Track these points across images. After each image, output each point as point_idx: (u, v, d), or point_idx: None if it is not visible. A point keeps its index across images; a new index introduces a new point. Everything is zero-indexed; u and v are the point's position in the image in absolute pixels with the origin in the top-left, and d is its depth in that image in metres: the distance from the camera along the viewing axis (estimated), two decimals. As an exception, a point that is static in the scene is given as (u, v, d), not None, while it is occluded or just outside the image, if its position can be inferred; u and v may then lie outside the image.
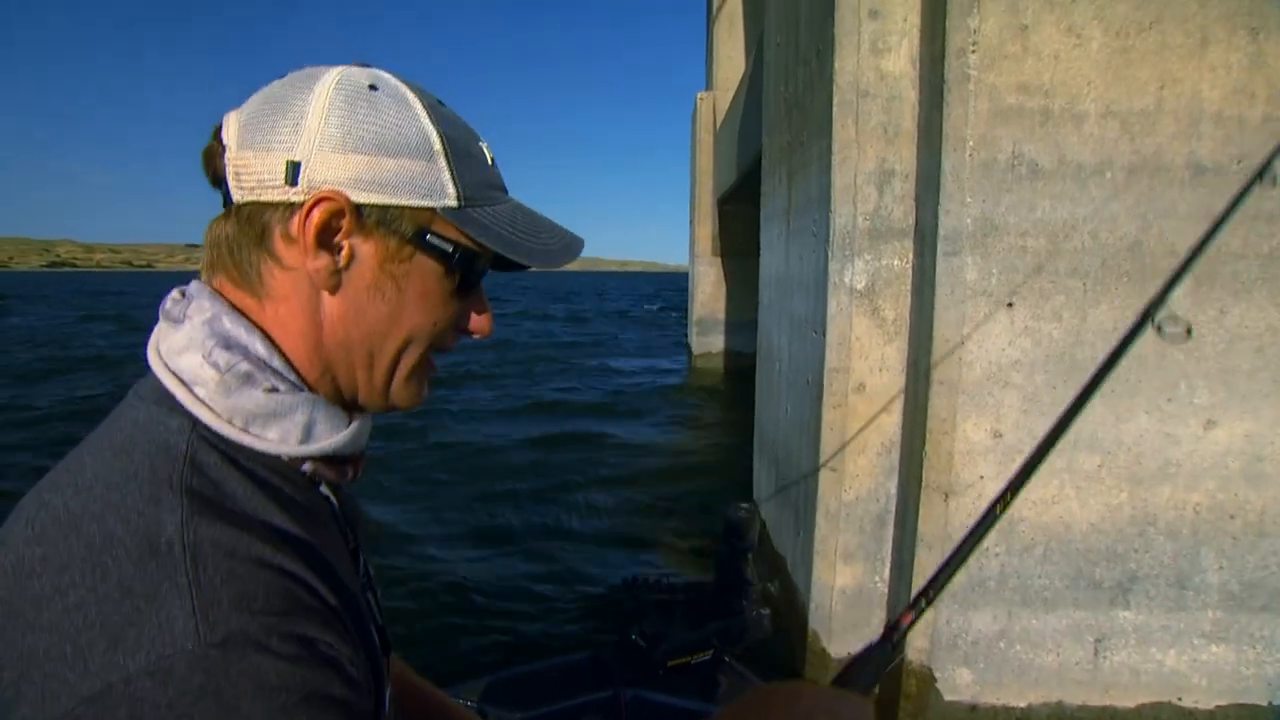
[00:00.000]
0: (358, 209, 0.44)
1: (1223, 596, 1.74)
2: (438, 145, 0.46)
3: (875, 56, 1.78)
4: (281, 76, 0.47)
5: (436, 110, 0.47)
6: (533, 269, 0.52)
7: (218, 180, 0.46)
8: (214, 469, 0.41)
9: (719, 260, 9.94)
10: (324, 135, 0.43)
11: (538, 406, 7.71)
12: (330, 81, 0.45)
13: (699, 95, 9.89)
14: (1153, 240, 1.64)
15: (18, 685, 0.33)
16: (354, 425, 0.49)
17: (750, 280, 4.18)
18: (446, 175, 0.46)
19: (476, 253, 0.48)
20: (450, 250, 0.47)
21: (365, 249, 0.45)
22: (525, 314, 24.61)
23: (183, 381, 0.43)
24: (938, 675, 1.79)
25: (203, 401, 0.43)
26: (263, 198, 0.44)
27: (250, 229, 0.45)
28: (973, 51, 1.59)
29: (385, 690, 0.49)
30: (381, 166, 0.44)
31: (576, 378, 9.90)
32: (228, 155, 0.45)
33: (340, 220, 0.44)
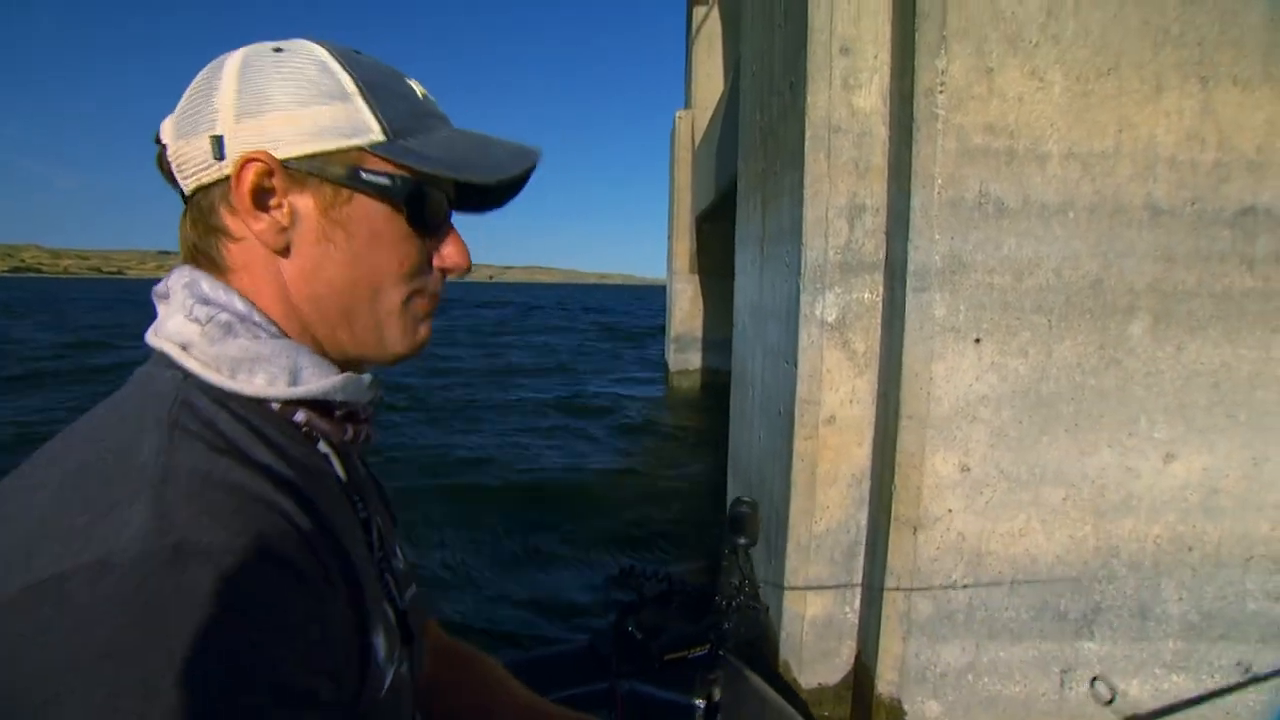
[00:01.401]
0: (285, 165, 0.45)
1: (1183, 627, 1.77)
2: (351, 87, 0.46)
3: (847, 92, 1.81)
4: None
5: (350, 58, 0.47)
6: (487, 183, 0.50)
7: (173, 180, 0.48)
8: (204, 410, 0.42)
9: (696, 278, 9.99)
10: (238, 104, 0.44)
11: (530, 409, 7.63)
12: (237, 56, 0.46)
13: (678, 113, 9.99)
14: (1113, 278, 1.68)
15: None
16: (346, 374, 0.48)
17: (728, 298, 4.21)
18: (367, 112, 0.46)
19: (418, 182, 0.47)
20: (389, 184, 0.46)
21: (303, 203, 0.46)
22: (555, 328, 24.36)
23: (173, 342, 0.45)
24: (907, 708, 1.79)
25: (192, 356, 0.44)
26: (202, 180, 0.46)
27: (201, 214, 0.47)
28: (940, 92, 1.62)
29: (386, 666, 0.46)
30: (298, 118, 0.45)
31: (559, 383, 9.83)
32: (169, 152, 0.47)
33: (271, 179, 0.45)
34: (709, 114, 7.85)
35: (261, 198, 0.45)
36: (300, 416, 0.46)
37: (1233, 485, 1.73)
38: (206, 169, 0.45)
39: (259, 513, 0.37)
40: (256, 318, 0.46)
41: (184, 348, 0.44)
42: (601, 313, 36.96)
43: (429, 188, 0.48)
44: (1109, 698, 1.77)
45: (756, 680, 1.36)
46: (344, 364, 0.49)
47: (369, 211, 0.47)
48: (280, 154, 0.44)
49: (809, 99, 1.81)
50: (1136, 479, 1.73)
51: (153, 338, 0.46)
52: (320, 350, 0.48)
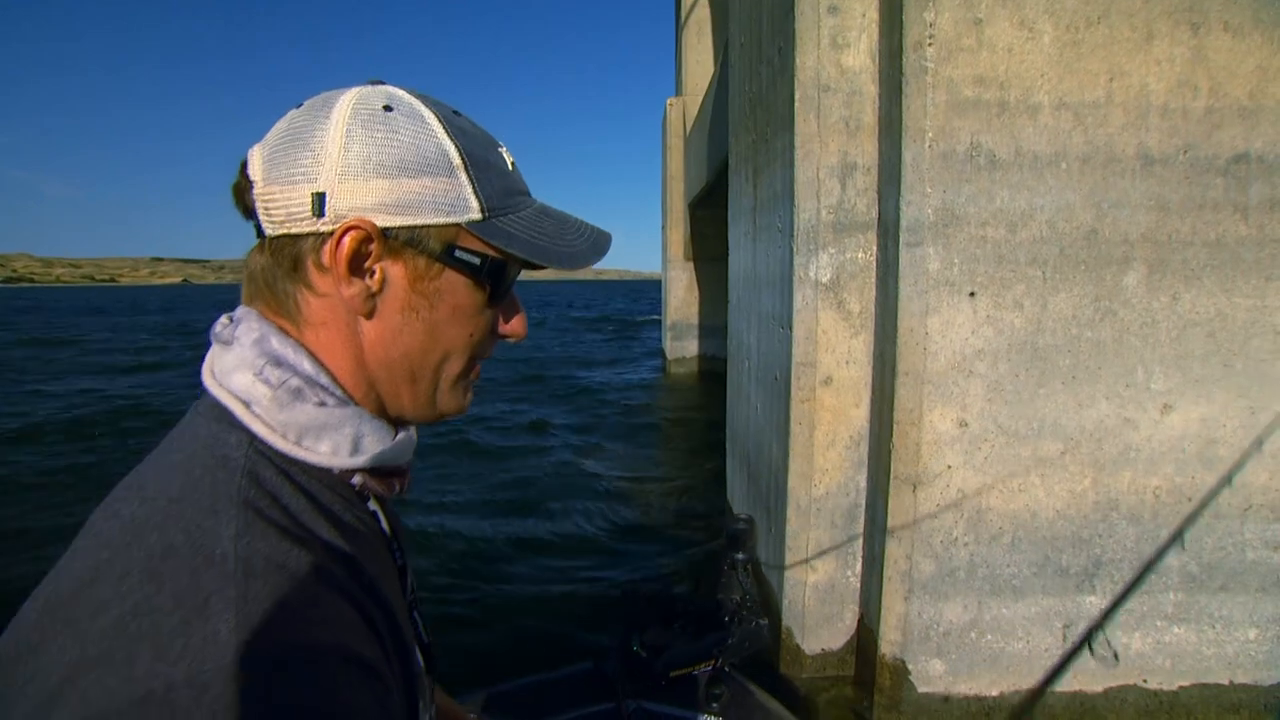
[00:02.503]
0: (384, 233, 0.45)
1: (1183, 578, 1.78)
2: (457, 160, 0.46)
3: (835, 51, 1.79)
4: (297, 105, 0.47)
5: (453, 122, 0.47)
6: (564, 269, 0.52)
7: (248, 212, 0.47)
8: (270, 482, 0.42)
9: (691, 265, 9.98)
10: (344, 163, 0.44)
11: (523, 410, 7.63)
12: (345, 107, 0.45)
13: (669, 101, 9.95)
14: (1107, 229, 1.67)
15: (62, 688, 0.33)
16: (400, 436, 0.50)
17: (722, 284, 4.20)
18: (468, 189, 0.46)
19: (505, 262, 0.48)
20: (479, 263, 0.47)
21: (395, 271, 0.46)
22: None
23: (238, 398, 0.44)
24: (910, 667, 1.79)
25: (258, 417, 0.44)
26: (292, 230, 0.45)
27: (283, 260, 0.46)
28: (929, 45, 1.60)
29: (423, 713, 0.49)
30: (403, 188, 0.45)
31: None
32: (255, 190, 0.46)
33: (369, 246, 0.45)
34: (700, 100, 7.82)
35: (357, 263, 0.45)
36: (357, 480, 0.48)
37: (1230, 435, 1.73)
38: (300, 220, 0.45)
39: (332, 607, 0.39)
40: (324, 380, 0.46)
41: (248, 406, 0.44)
42: (587, 308, 36.86)
43: (511, 266, 0.49)
44: (1112, 654, 1.77)
45: (762, 695, 1.37)
46: (396, 422, 0.51)
47: (455, 286, 0.48)
48: (381, 222, 0.44)
49: (797, 60, 1.80)
50: (1134, 431, 1.73)
51: (212, 384, 0.46)
52: (380, 410, 0.50)
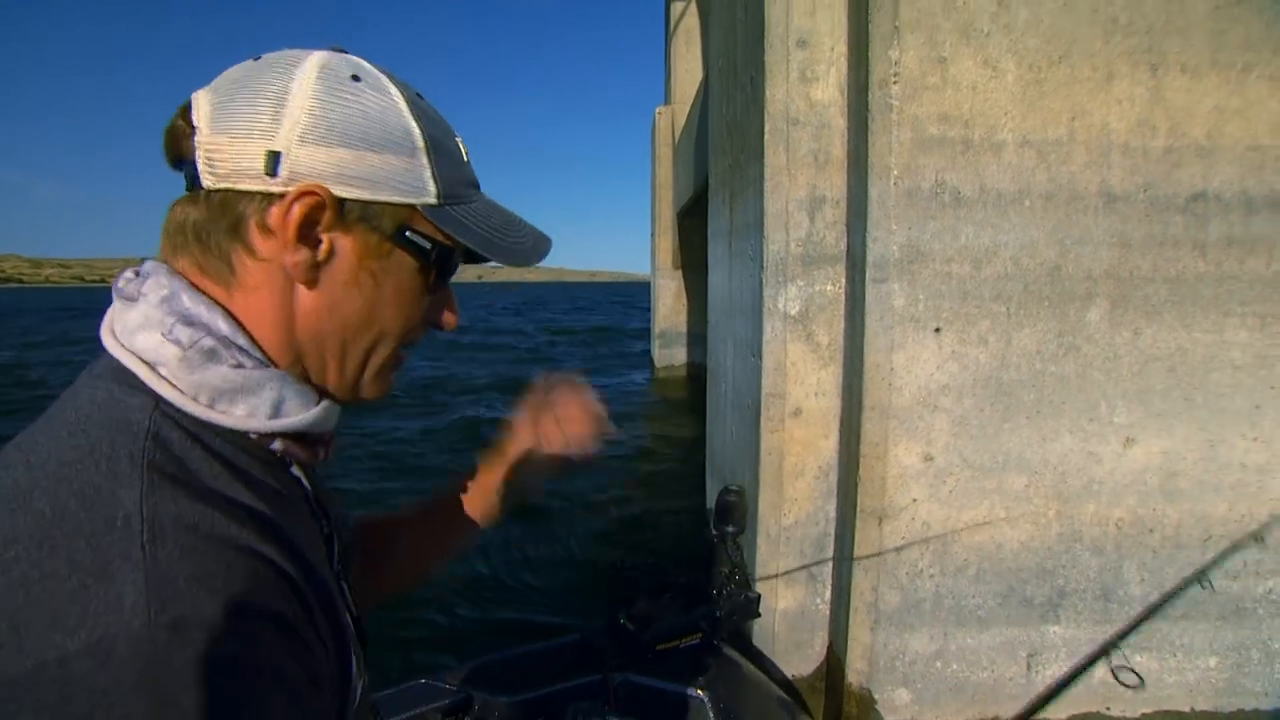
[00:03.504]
0: (340, 203, 0.44)
1: (1145, 607, 1.80)
2: (420, 141, 0.45)
3: (804, 85, 1.81)
4: (255, 57, 0.45)
5: (417, 104, 0.47)
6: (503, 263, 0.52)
7: (179, 161, 0.44)
8: (178, 445, 0.39)
9: (680, 273, 9.99)
10: (307, 125, 0.42)
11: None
12: (312, 68, 0.43)
13: (658, 110, 9.97)
14: (1070, 265, 1.69)
15: None
16: (324, 403, 0.48)
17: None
18: (428, 173, 0.46)
19: (451, 250, 0.48)
20: (429, 247, 0.47)
21: (345, 244, 0.45)
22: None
23: (142, 360, 0.41)
24: (877, 697, 1.80)
25: (166, 379, 0.41)
26: (238, 185, 0.42)
27: (222, 217, 0.43)
28: (895, 82, 1.62)
29: (356, 680, 0.47)
30: (365, 161, 0.43)
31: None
32: (198, 137, 0.42)
33: (321, 214, 0.43)
34: (688, 109, 7.84)
35: (307, 230, 0.43)
36: (277, 445, 0.46)
37: (1190, 468, 1.75)
38: (249, 178, 0.42)
39: (247, 567, 0.36)
40: (241, 341, 0.43)
41: (154, 367, 0.41)
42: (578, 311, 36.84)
43: (457, 255, 0.49)
44: (1136, 683, 1.76)
45: (750, 668, 1.36)
46: (319, 393, 0.49)
47: (400, 267, 0.47)
48: (338, 192, 0.43)
49: (767, 92, 1.81)
50: (1098, 464, 1.75)
51: (113, 344, 0.42)
52: (303, 379, 0.47)
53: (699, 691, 1.28)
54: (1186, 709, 1.84)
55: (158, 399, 0.41)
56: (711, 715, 1.25)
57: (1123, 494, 1.76)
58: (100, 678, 0.30)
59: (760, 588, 1.99)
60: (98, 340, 0.43)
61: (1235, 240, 1.69)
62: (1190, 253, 1.69)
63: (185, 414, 0.41)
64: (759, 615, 1.32)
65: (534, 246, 0.53)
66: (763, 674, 1.32)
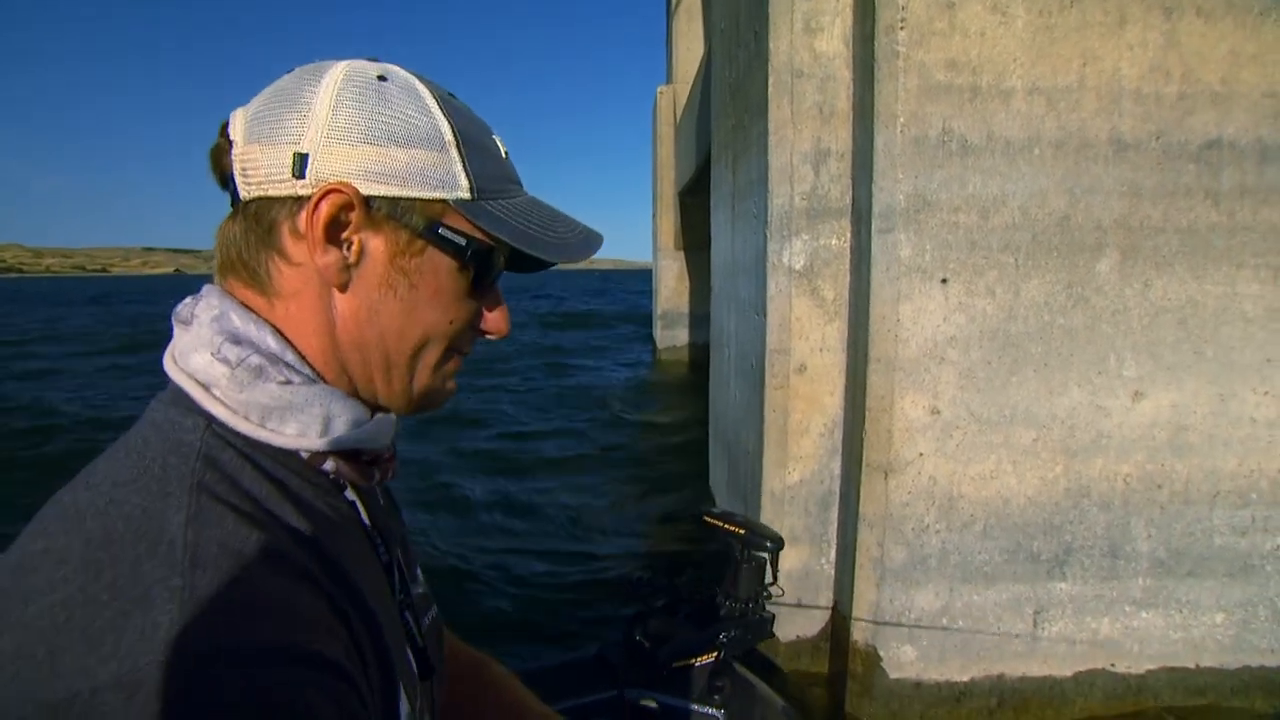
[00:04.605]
0: (367, 201, 0.43)
1: (1152, 564, 1.79)
2: (449, 136, 0.45)
3: (809, 36, 1.77)
4: (289, 70, 0.45)
5: (448, 102, 0.46)
6: (551, 266, 0.50)
7: (225, 179, 0.45)
8: (228, 466, 0.39)
9: (682, 254, 9.94)
10: (332, 126, 0.42)
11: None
12: (338, 73, 0.44)
13: (659, 89, 9.87)
14: (1080, 215, 1.66)
15: None
16: (377, 418, 0.47)
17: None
18: (458, 166, 0.45)
19: (491, 248, 0.46)
20: (463, 244, 0.45)
21: (375, 243, 0.44)
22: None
23: (196, 381, 0.42)
24: (882, 654, 1.80)
25: (217, 399, 0.41)
26: (269, 192, 0.43)
27: (257, 226, 0.44)
28: (901, 29, 1.58)
29: (412, 718, 0.45)
30: (391, 158, 0.43)
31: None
32: (234, 151, 0.43)
33: (349, 214, 0.43)
34: (690, 87, 7.75)
35: (334, 230, 0.43)
36: (329, 465, 0.45)
37: (1200, 422, 1.74)
38: (279, 182, 0.42)
39: (292, 596, 0.36)
40: (289, 358, 0.43)
41: (207, 388, 0.41)
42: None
43: (497, 253, 0.47)
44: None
45: (764, 688, 1.37)
46: (372, 407, 0.48)
47: (436, 266, 0.46)
48: (364, 190, 0.42)
49: (771, 44, 1.78)
50: (1106, 418, 1.73)
51: (172, 368, 0.43)
52: (352, 391, 0.47)
53: (715, 710, 1.28)
54: (1192, 665, 1.84)
55: (210, 419, 0.41)
56: None
57: (1131, 449, 1.74)
58: (127, 713, 0.29)
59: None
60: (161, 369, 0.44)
61: (1249, 190, 1.66)
62: (1203, 202, 1.66)
63: (238, 434, 0.41)
64: (773, 635, 1.33)
65: (581, 242, 0.51)
66: (778, 695, 1.33)
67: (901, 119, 1.60)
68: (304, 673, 0.34)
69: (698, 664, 1.30)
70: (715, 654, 1.31)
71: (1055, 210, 1.65)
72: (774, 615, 1.35)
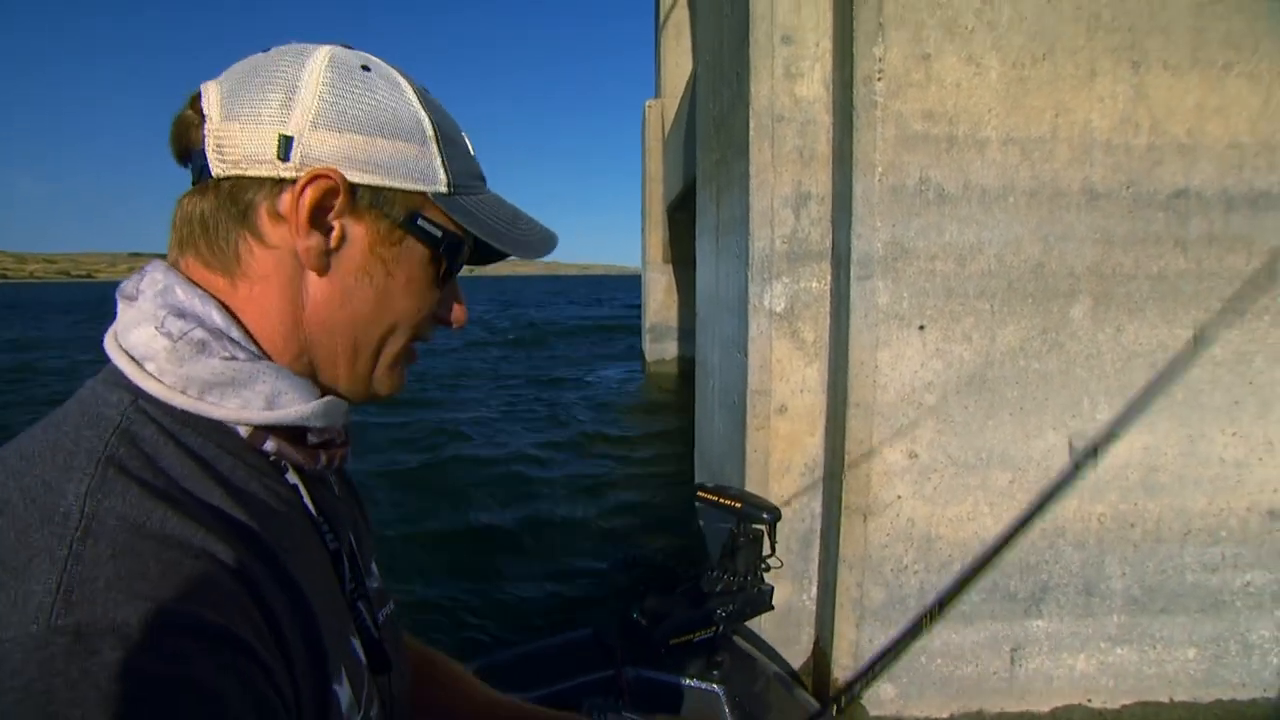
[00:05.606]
0: (352, 189, 0.43)
1: (1126, 601, 1.82)
2: (430, 130, 0.46)
3: (789, 81, 1.80)
4: (264, 50, 0.45)
5: (425, 97, 0.48)
6: (507, 258, 0.54)
7: (186, 153, 0.44)
8: (147, 442, 0.38)
9: (670, 267, 9.98)
10: (319, 111, 0.42)
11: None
12: (323, 58, 0.44)
13: (647, 103, 9.92)
14: (1054, 262, 1.70)
15: None
16: (327, 399, 0.46)
17: (697, 289, 4.23)
18: (438, 161, 0.46)
19: (462, 241, 0.48)
20: (439, 236, 0.47)
21: (356, 230, 0.45)
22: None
23: (131, 357, 0.41)
24: (863, 692, 1.81)
25: (150, 375, 0.40)
26: (248, 172, 0.42)
27: (231, 205, 0.43)
28: (879, 79, 1.61)
29: (351, 712, 0.43)
30: (376, 147, 0.44)
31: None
32: (208, 126, 0.42)
33: (333, 199, 0.43)
34: (678, 103, 7.80)
35: (318, 215, 0.43)
36: (269, 445, 0.43)
37: (1170, 463, 1.77)
38: (260, 163, 0.42)
39: (195, 575, 0.33)
40: (234, 333, 0.42)
41: (142, 363, 0.40)
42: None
43: (465, 246, 0.49)
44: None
45: (764, 661, 1.35)
46: (325, 391, 0.47)
47: (412, 256, 0.47)
48: (350, 177, 0.43)
49: (752, 88, 1.80)
50: (1080, 459, 1.76)
51: (111, 346, 0.42)
52: (310, 376, 0.46)
53: (714, 685, 1.27)
54: (1166, 700, 1.87)
55: (138, 394, 0.40)
56: (727, 709, 1.25)
57: (1105, 489, 1.77)
58: None
59: (747, 584, 1.99)
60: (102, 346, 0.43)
61: (1215, 237, 1.70)
62: (1172, 249, 1.70)
63: (169, 410, 0.40)
64: (772, 608, 1.31)
65: (542, 239, 0.53)
66: (778, 666, 1.32)
67: (880, 168, 1.63)
68: (201, 646, 0.32)
69: (696, 639, 1.29)
70: (714, 629, 1.30)
71: (1030, 258, 1.68)
72: (773, 587, 1.35)
